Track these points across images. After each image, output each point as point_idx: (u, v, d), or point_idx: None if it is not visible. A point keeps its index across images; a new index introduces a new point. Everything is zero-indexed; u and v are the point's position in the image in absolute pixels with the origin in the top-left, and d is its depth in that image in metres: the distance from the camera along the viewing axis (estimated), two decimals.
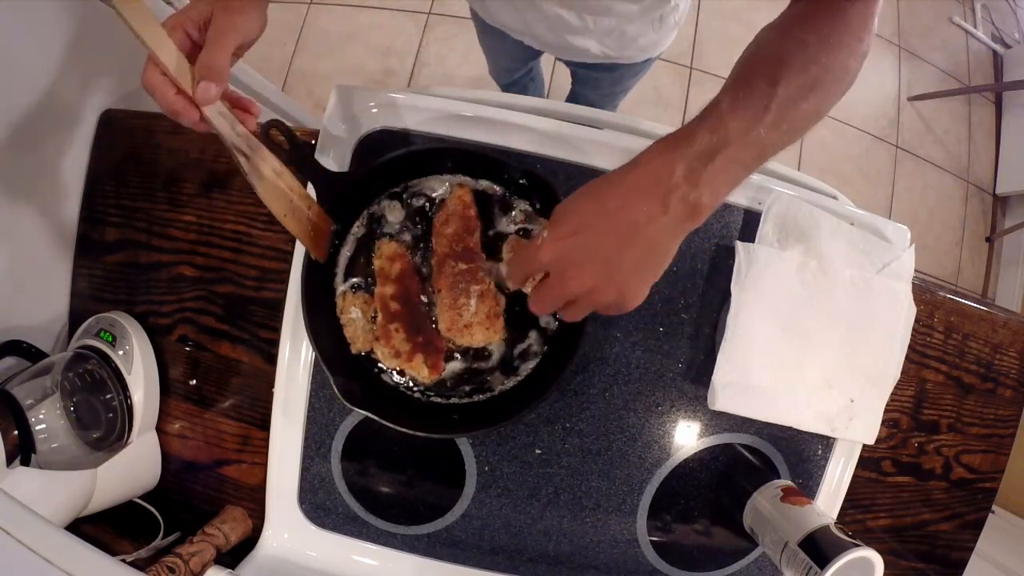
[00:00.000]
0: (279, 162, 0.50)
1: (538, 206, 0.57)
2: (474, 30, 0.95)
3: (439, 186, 0.58)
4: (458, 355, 0.57)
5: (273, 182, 0.50)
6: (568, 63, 0.87)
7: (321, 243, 0.55)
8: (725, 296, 0.60)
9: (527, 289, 0.49)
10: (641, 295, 0.39)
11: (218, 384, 0.67)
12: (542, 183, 0.55)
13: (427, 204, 0.58)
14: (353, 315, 0.57)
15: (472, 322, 0.56)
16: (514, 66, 1.05)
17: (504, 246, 0.57)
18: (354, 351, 0.57)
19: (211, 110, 0.44)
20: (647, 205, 0.35)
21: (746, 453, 0.63)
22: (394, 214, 0.58)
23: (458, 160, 0.57)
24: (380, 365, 0.58)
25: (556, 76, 1.71)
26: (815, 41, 0.39)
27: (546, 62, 1.20)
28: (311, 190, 0.58)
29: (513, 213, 0.58)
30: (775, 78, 0.38)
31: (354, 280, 0.58)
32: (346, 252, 0.58)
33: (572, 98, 1.13)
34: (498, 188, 0.58)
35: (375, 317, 0.57)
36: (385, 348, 0.56)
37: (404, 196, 0.59)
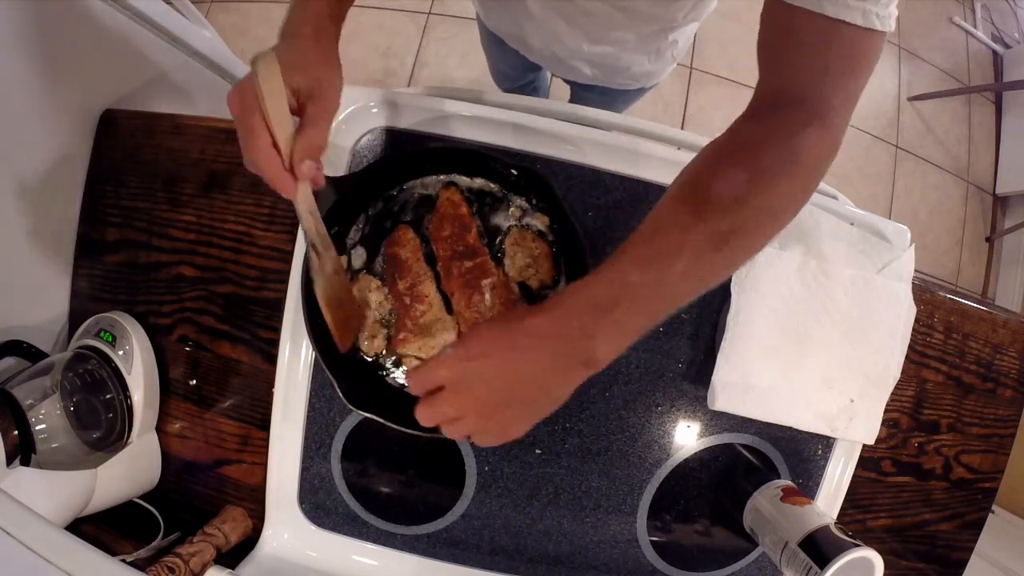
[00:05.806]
0: (340, 262, 0.52)
1: (535, 202, 0.58)
2: (474, 30, 0.95)
3: (433, 185, 0.59)
4: None
5: (330, 280, 0.51)
6: (564, 80, 0.88)
7: (348, 337, 0.54)
8: (725, 296, 0.60)
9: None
10: (519, 431, 0.39)
11: (218, 384, 0.67)
12: (536, 178, 0.55)
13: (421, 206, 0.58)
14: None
15: (491, 316, 0.54)
16: (513, 73, 1.05)
17: (506, 239, 0.57)
18: (370, 355, 0.57)
19: (302, 208, 0.45)
20: (544, 351, 0.36)
21: (746, 453, 0.63)
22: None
23: (451, 159, 0.57)
24: (382, 363, 0.58)
25: (555, 86, 1.71)
26: (748, 177, 0.35)
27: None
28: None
29: (511, 209, 0.58)
30: (690, 223, 0.35)
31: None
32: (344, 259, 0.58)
33: None
34: (494, 185, 0.58)
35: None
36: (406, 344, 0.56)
37: (399, 197, 0.59)
